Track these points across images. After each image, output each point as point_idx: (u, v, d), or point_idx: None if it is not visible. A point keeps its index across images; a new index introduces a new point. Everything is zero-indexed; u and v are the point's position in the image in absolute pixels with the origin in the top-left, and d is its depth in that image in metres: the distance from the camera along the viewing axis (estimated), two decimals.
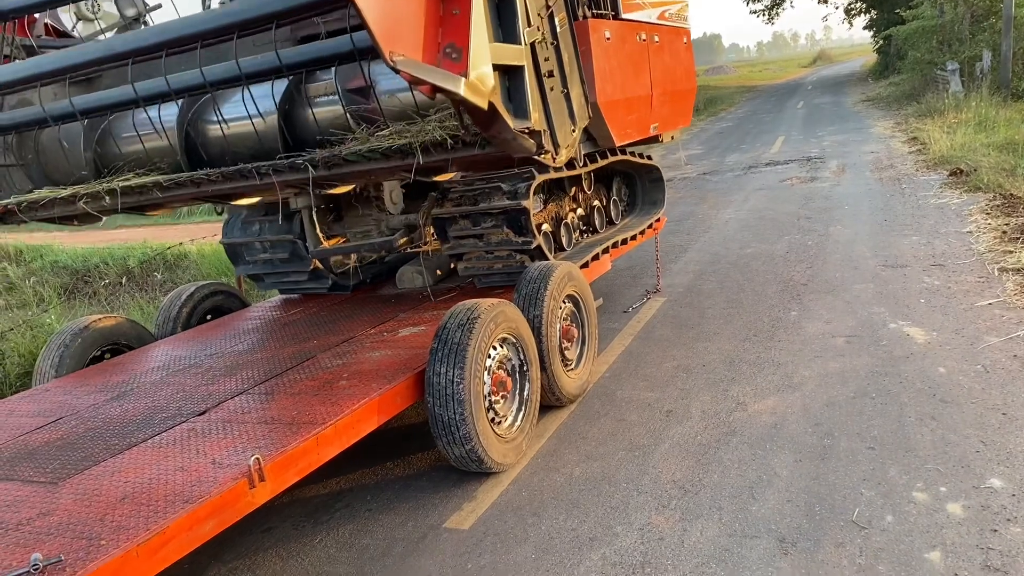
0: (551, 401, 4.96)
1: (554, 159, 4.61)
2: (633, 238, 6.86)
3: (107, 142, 5.19)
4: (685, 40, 7.62)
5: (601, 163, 6.33)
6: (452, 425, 4.03)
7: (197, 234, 13.91)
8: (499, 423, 4.37)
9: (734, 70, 79.01)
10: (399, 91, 4.41)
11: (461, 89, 3.18)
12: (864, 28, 47.10)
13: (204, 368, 4.88)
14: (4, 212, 5.05)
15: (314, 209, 5.87)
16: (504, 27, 3.94)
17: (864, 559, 3.22)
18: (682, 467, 4.17)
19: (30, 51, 5.17)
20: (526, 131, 3.96)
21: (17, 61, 4.99)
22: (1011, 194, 9.42)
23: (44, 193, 4.90)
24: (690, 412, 4.81)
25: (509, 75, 3.97)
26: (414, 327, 5.09)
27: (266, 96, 4.61)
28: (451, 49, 3.28)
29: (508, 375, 4.50)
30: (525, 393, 4.62)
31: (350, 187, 5.87)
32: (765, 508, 3.68)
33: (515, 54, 3.95)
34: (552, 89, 4.38)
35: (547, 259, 5.47)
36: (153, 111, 4.79)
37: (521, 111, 4.01)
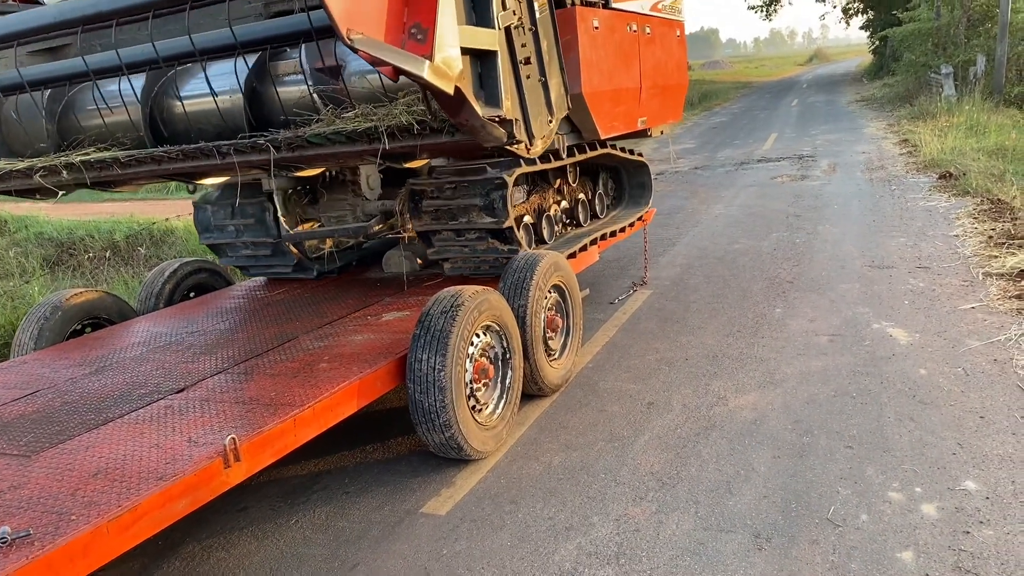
0: (533, 390, 4.95)
1: (528, 150, 4.55)
2: (622, 231, 6.85)
3: (68, 115, 5.08)
4: (678, 33, 7.57)
5: (585, 156, 6.26)
6: (432, 412, 4.01)
7: (185, 210, 13.81)
8: (480, 411, 4.36)
9: (730, 65, 78.96)
10: (369, 73, 4.33)
11: (424, 72, 3.09)
12: (860, 28, 47.15)
13: (185, 345, 4.84)
14: None
15: (287, 192, 5.80)
16: (477, 10, 3.84)
17: (837, 557, 3.23)
18: (661, 459, 4.17)
19: None
20: (496, 119, 3.87)
21: None
22: (999, 199, 9.46)
23: (1, 164, 4.83)
24: (671, 405, 4.81)
25: (481, 60, 3.87)
26: (398, 312, 5.06)
27: (231, 73, 4.53)
28: (416, 30, 3.18)
29: (491, 363, 4.48)
30: (507, 381, 4.60)
31: (319, 170, 5.80)
32: (741, 503, 3.69)
33: (487, 38, 3.87)
34: (528, 77, 4.31)
35: (520, 245, 5.40)
36: (115, 84, 4.71)
37: (492, 98, 3.92)
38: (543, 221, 6.07)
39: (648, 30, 6.75)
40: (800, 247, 8.39)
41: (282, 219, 5.76)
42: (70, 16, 4.16)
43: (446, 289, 4.35)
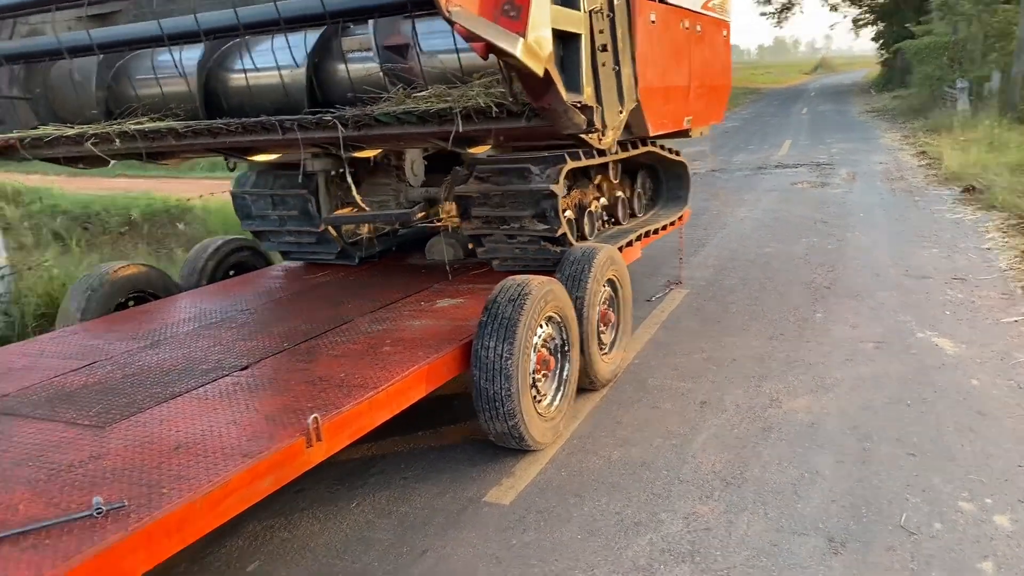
0: (584, 384, 4.92)
1: (600, 140, 4.51)
2: (664, 228, 6.81)
3: (121, 82, 5.01)
4: (725, 33, 7.53)
5: (633, 152, 6.22)
6: (497, 400, 3.98)
7: (199, 189, 13.72)
8: (539, 401, 4.32)
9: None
10: (441, 52, 4.25)
11: (518, 50, 3.02)
12: (872, 39, 47.23)
13: (238, 323, 4.80)
14: (6, 147, 4.88)
15: (328, 174, 5.72)
16: None
17: (916, 564, 3.21)
18: (721, 459, 4.14)
19: None
20: (578, 105, 3.81)
21: None
22: None
23: (49, 130, 4.74)
24: (724, 404, 4.79)
25: (564, 43, 3.79)
26: (451, 299, 5.03)
27: (295, 47, 4.47)
28: (509, 6, 3.08)
29: (551, 354, 4.45)
30: (564, 373, 4.57)
31: (375, 152, 5.74)
32: (810, 507, 3.67)
33: (574, 20, 3.79)
34: (604, 64, 4.24)
35: (572, 244, 5.32)
36: (174, 53, 4.61)
37: (574, 84, 3.84)
38: (584, 217, 6.01)
39: (699, 28, 6.71)
40: (832, 253, 8.38)
41: (322, 201, 5.72)
42: None
43: (512, 278, 4.32)
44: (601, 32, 4.11)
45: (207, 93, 4.79)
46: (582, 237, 5.93)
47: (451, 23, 2.94)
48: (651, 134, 6.05)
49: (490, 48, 3.08)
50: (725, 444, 4.30)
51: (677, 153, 7.23)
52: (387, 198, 6.03)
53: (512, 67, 3.23)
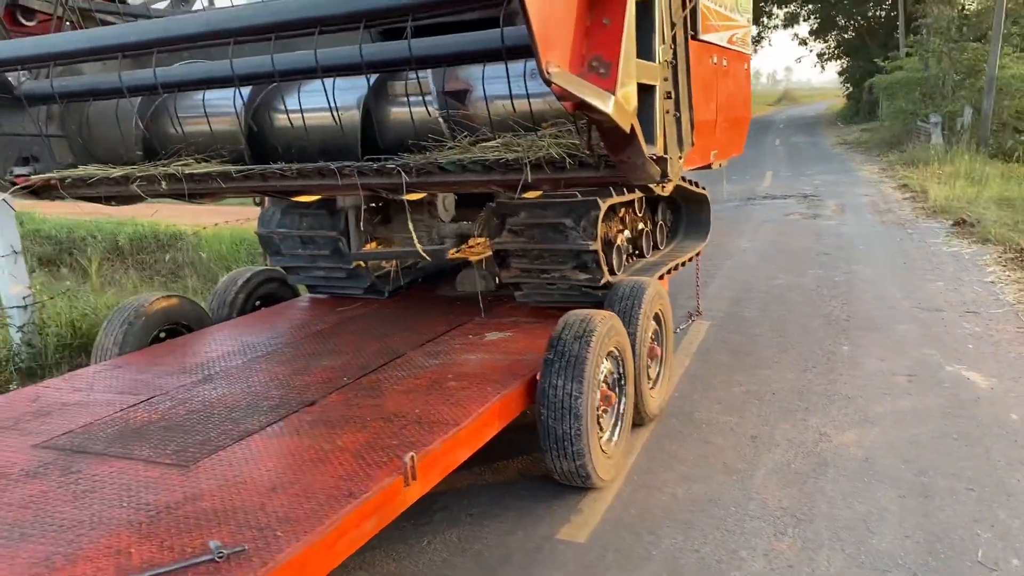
0: (634, 419, 4.92)
1: (663, 188, 4.50)
2: (690, 260, 6.88)
3: (161, 121, 4.81)
4: (745, 66, 7.67)
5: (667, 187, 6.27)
6: (566, 440, 3.97)
7: (187, 214, 13.57)
8: (601, 438, 4.32)
9: None
10: (498, 98, 4.10)
11: (610, 108, 2.90)
12: (838, 73, 48.37)
13: (286, 357, 4.73)
14: (44, 185, 4.73)
15: (359, 209, 5.64)
16: (641, 43, 3.80)
17: None
18: (786, 495, 4.17)
19: (83, 12, 4.86)
20: (654, 157, 3.79)
21: (69, 31, 4.65)
22: (1023, 248, 9.72)
23: (92, 170, 4.56)
24: (775, 439, 4.82)
25: (641, 95, 3.81)
26: (499, 332, 5.01)
27: (346, 90, 4.38)
28: (598, 63, 2.97)
29: (610, 389, 4.45)
30: (620, 408, 4.58)
31: (423, 194, 5.68)
32: (885, 542, 3.70)
33: (652, 72, 3.81)
34: (668, 112, 4.27)
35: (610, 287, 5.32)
36: (218, 93, 4.50)
37: (650, 135, 3.76)
38: (613, 252, 6.03)
39: (725, 63, 6.82)
40: (842, 286, 8.51)
41: (352, 236, 5.65)
42: (188, 31, 3.97)
43: (574, 313, 4.32)
44: (666, 80, 4.13)
45: (252, 132, 4.64)
46: (611, 272, 5.95)
47: (549, 84, 2.74)
48: (684, 170, 6.11)
49: (581, 106, 3.00)
50: (785, 480, 4.33)
51: (697, 185, 7.31)
52: (420, 234, 5.95)
53: (595, 121, 3.08)
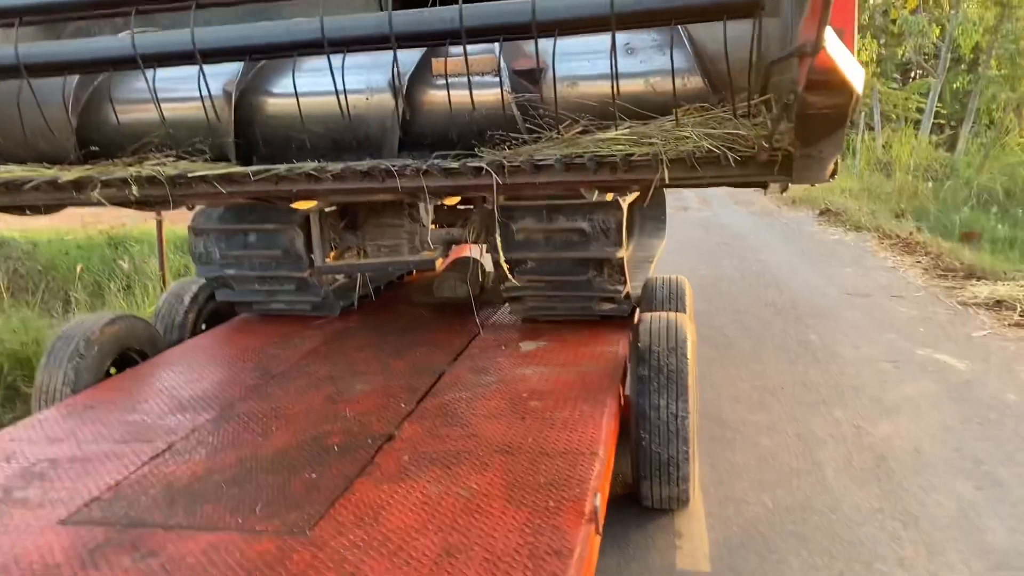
0: None
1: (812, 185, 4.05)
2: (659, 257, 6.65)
3: (102, 108, 3.58)
4: None
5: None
6: (672, 465, 3.55)
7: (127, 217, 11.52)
8: None
9: None
10: (581, 79, 3.26)
11: (860, 86, 2.23)
12: None
13: (303, 382, 3.96)
14: None
15: (322, 212, 4.69)
16: None
17: None
18: (871, 495, 4.00)
19: None
20: None
21: None
22: (896, 234, 10.41)
23: (21, 173, 3.49)
24: (817, 435, 4.68)
25: None
26: (533, 341, 4.49)
27: (366, 69, 3.58)
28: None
29: None
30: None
31: (457, 199, 4.86)
32: (1000, 538, 3.61)
33: None
34: None
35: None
36: (180, 71, 3.25)
37: None
38: None
39: None
40: (765, 275, 8.67)
41: (315, 246, 4.79)
42: None
43: (650, 316, 3.91)
44: None
45: (236, 124, 3.51)
46: None
47: (813, 53, 2.04)
48: None
49: (823, 85, 2.18)
50: (858, 478, 4.17)
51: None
52: (399, 241, 5.15)
53: (813, 106, 2.28)
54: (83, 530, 2.58)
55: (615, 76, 2.84)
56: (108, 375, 4.22)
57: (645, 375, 3.61)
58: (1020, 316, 6.78)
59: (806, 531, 3.69)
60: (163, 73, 3.17)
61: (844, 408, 5.05)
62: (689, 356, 3.67)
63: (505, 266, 4.44)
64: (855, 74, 2.28)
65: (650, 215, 7.02)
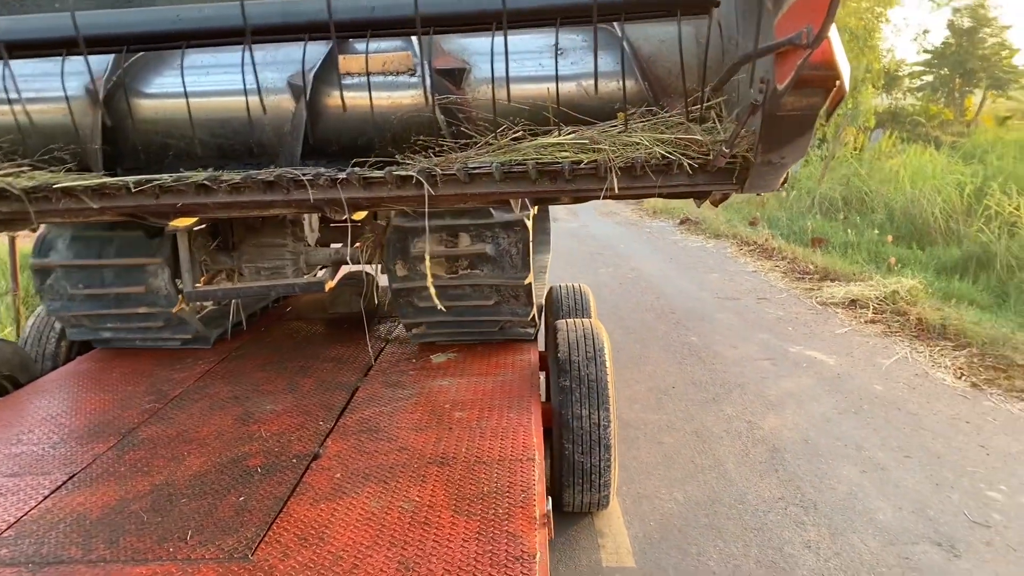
0: None
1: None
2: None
3: None
4: None
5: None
6: (594, 472, 3.62)
7: None
8: None
9: None
10: (514, 81, 2.93)
11: (848, 83, 2.19)
12: None
13: (207, 405, 3.74)
14: None
15: (191, 233, 4.26)
16: None
17: (992, 553, 3.59)
18: (771, 484, 4.23)
19: None
20: None
21: None
22: (754, 241, 11.05)
23: None
24: (713, 432, 4.89)
25: None
26: (442, 353, 4.44)
27: (272, 64, 3.37)
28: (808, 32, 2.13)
29: None
30: None
31: (365, 213, 4.51)
32: (888, 516, 3.91)
33: None
34: None
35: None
36: (40, 65, 2.96)
37: None
38: None
39: None
40: (640, 282, 8.98)
41: (184, 270, 4.24)
42: None
43: (564, 323, 3.98)
44: None
45: (105, 126, 3.12)
46: None
47: (810, 46, 1.99)
48: None
49: (809, 82, 2.12)
50: (757, 470, 4.40)
51: None
52: (282, 262, 4.63)
53: (788, 108, 2.20)
54: None
55: (557, 76, 2.78)
56: None
57: (567, 386, 3.65)
58: (873, 313, 7.36)
59: (718, 523, 3.85)
60: (16, 66, 2.75)
61: (733, 405, 5.31)
62: (608, 364, 3.75)
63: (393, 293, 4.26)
64: (846, 69, 2.21)
65: (539, 227, 7.12)
